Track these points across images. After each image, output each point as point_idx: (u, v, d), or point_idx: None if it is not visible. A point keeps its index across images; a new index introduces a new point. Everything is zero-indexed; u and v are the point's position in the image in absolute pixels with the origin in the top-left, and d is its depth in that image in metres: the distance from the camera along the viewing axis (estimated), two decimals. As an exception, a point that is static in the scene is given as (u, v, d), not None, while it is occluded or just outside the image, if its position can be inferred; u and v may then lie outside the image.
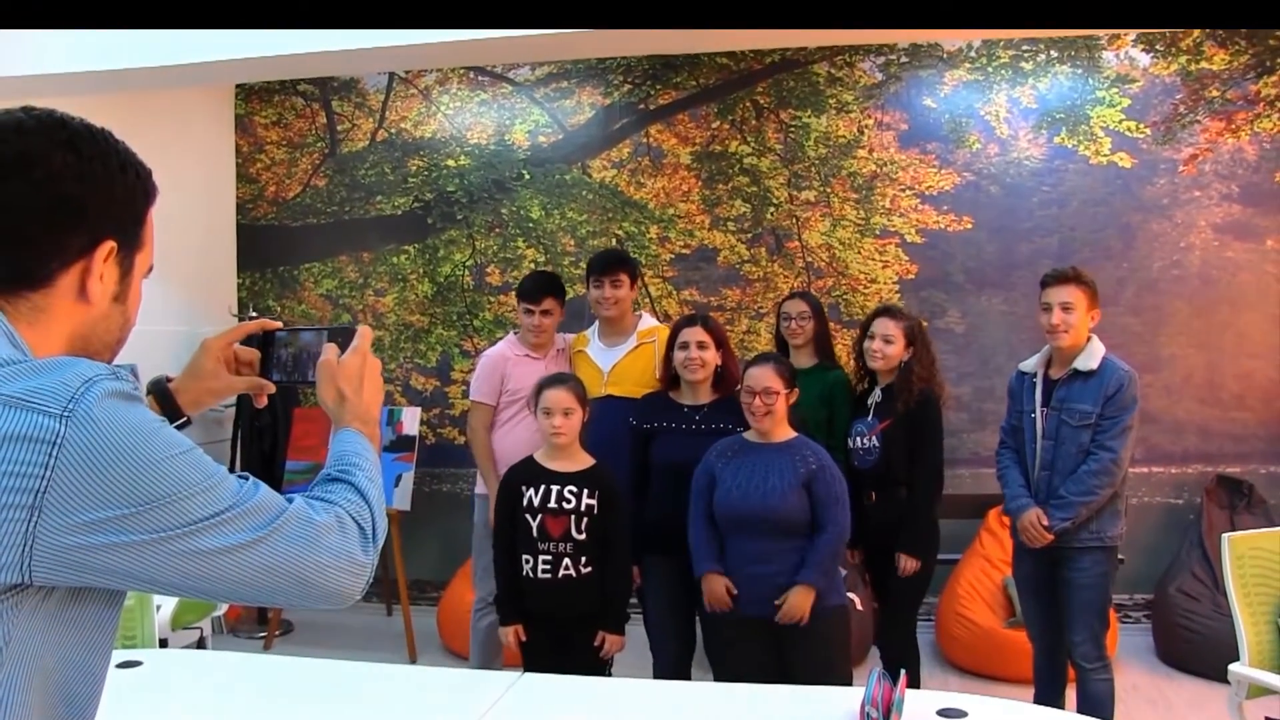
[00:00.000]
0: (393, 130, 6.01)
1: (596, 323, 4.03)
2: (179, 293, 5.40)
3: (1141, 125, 5.21)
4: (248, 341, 1.47)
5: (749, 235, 5.61)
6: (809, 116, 5.53)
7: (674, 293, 5.68)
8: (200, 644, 4.14)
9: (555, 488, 3.30)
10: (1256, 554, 3.15)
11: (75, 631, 0.98)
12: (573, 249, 5.76)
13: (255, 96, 6.15)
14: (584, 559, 3.27)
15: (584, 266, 4.21)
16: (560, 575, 3.25)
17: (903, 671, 2.17)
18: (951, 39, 5.27)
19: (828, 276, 5.51)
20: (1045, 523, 3.44)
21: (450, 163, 5.93)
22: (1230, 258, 5.17)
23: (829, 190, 5.52)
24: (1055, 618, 3.55)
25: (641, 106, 5.71)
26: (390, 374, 5.89)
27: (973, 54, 5.37)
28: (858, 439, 3.76)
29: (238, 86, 6.10)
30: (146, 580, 0.96)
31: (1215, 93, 5.15)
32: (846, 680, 3.19)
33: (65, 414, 0.91)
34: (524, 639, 3.33)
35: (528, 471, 3.36)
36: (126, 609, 2.89)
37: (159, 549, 0.95)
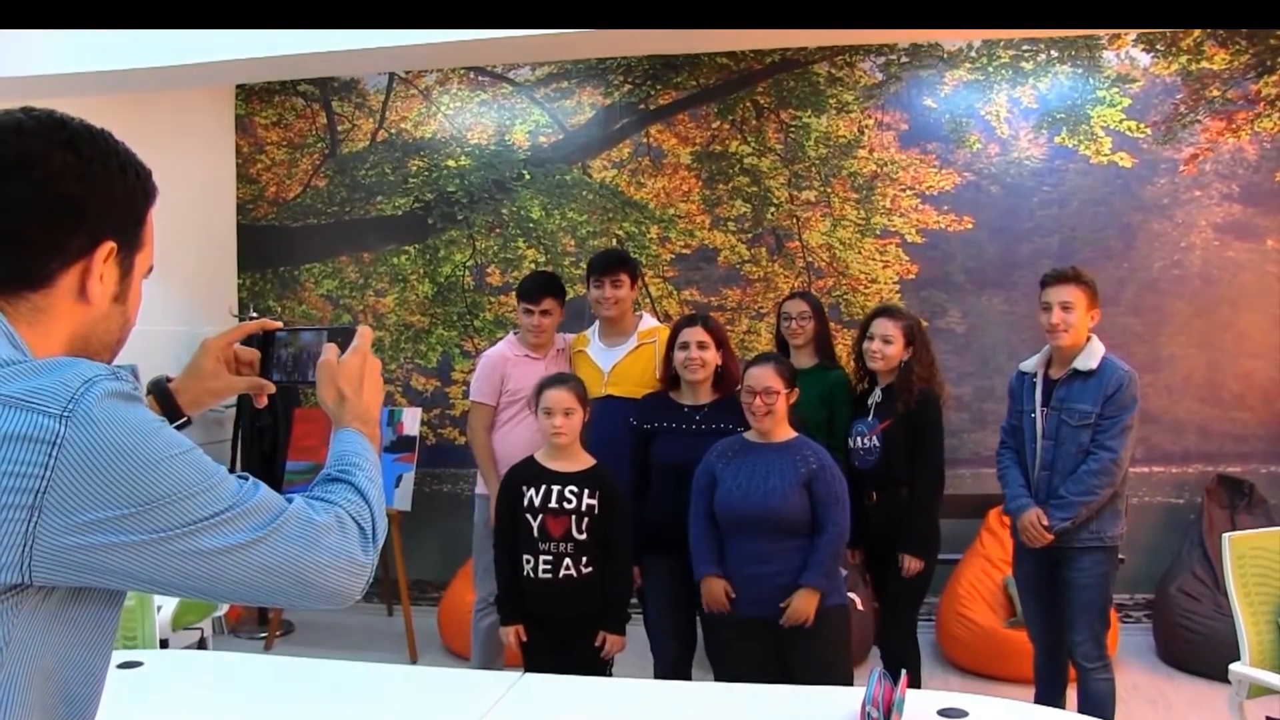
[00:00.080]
0: (393, 130, 6.01)
1: (597, 323, 4.03)
2: (179, 293, 5.40)
3: (1142, 125, 5.21)
4: (248, 341, 1.47)
5: (749, 235, 5.61)
6: (809, 116, 5.53)
7: (674, 293, 5.68)
8: (201, 644, 4.14)
9: (556, 488, 3.30)
10: (1257, 554, 3.15)
11: (75, 631, 0.98)
12: (573, 249, 5.76)
13: (255, 97, 6.15)
14: (585, 559, 3.27)
15: (584, 267, 4.21)
16: (561, 575, 3.25)
17: (903, 671, 2.17)
18: (952, 39, 5.27)
19: (828, 276, 5.51)
20: (1045, 523, 3.45)
21: (450, 163, 5.93)
22: (1231, 257, 5.17)
23: (829, 190, 5.52)
24: (1056, 618, 3.55)
25: (642, 106, 5.71)
26: (391, 374, 5.89)
27: (973, 54, 5.37)
28: (858, 439, 3.76)
29: (238, 87, 6.10)
30: (146, 580, 0.96)
31: (1216, 92, 5.15)
32: (847, 680, 3.19)
33: (65, 414, 0.91)
34: (524, 639, 3.32)
35: (528, 471, 3.36)
36: (127, 609, 2.89)
37: (159, 549, 0.95)
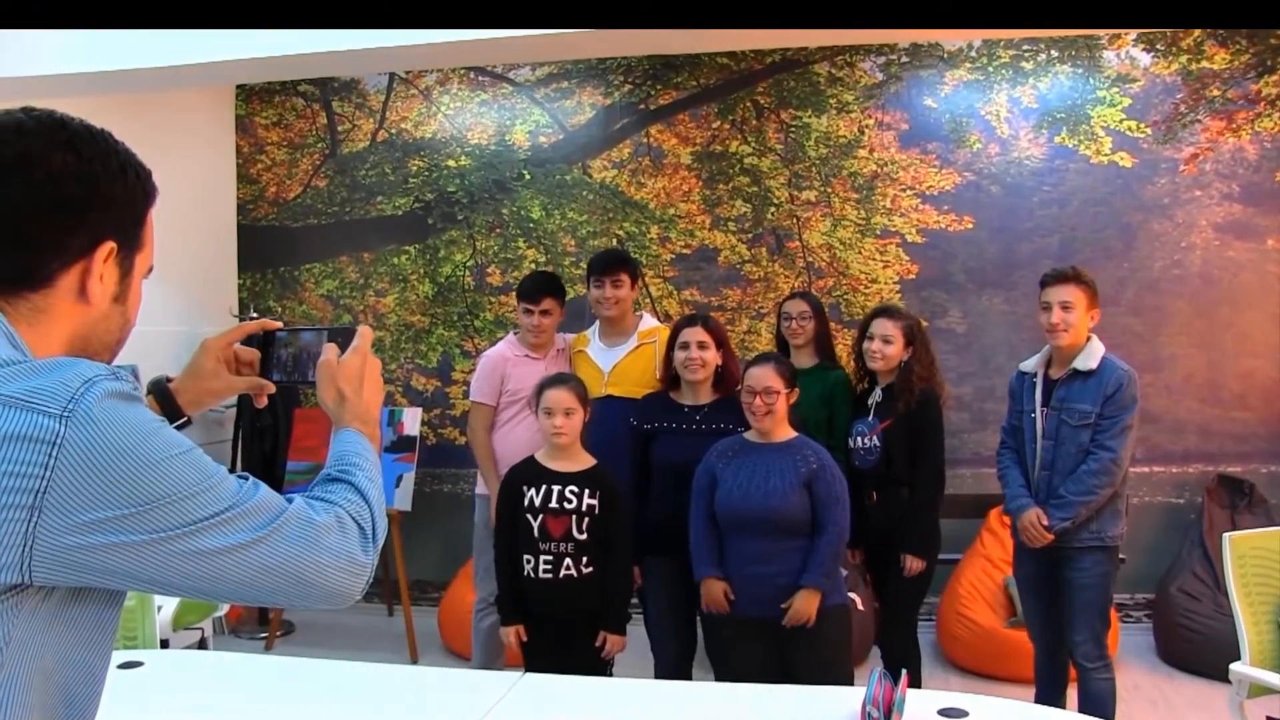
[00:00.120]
0: (393, 131, 6.01)
1: (597, 323, 4.03)
2: (179, 293, 5.40)
3: (1142, 125, 5.21)
4: (248, 342, 1.47)
5: (750, 235, 5.61)
6: (809, 116, 5.53)
7: (675, 293, 5.68)
8: (201, 644, 4.14)
9: (556, 488, 3.29)
10: (1257, 553, 3.15)
11: (75, 631, 0.98)
12: (573, 249, 5.76)
13: (256, 97, 6.15)
14: (585, 559, 3.27)
15: (585, 267, 4.21)
16: (561, 575, 3.25)
17: (904, 671, 2.17)
18: (952, 39, 5.27)
19: (828, 276, 5.51)
20: (1045, 522, 3.45)
21: (451, 163, 5.93)
22: (1231, 257, 5.17)
23: (830, 190, 5.52)
24: (1056, 617, 3.55)
25: (642, 106, 5.71)
26: (391, 374, 5.89)
27: (973, 54, 5.37)
28: (858, 439, 3.76)
29: (238, 87, 6.10)
30: (146, 580, 0.96)
31: (1216, 92, 5.15)
32: (848, 680, 3.19)
33: (65, 414, 0.91)
34: (525, 639, 3.32)
35: (529, 471, 3.36)
36: (128, 609, 2.90)
37: (159, 549, 0.95)
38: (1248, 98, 5.12)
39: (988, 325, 5.38)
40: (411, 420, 5.28)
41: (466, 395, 4.72)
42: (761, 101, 5.58)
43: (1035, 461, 3.54)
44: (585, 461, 3.36)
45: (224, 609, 4.57)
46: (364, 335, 1.35)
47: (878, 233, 5.46)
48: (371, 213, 6.03)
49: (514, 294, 4.31)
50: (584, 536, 3.27)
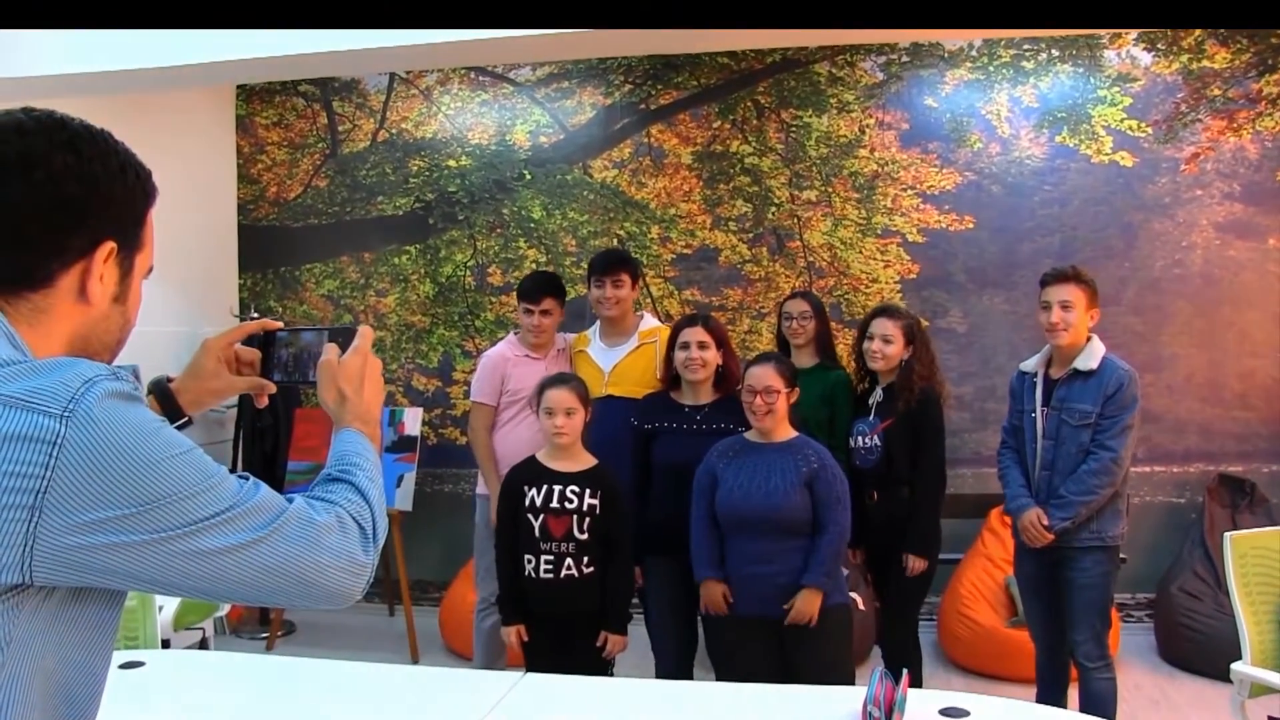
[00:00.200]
0: (394, 131, 6.01)
1: (598, 323, 4.03)
2: (180, 293, 5.40)
3: (1143, 124, 5.21)
4: (249, 341, 1.47)
5: (750, 235, 5.60)
6: (810, 116, 5.53)
7: (675, 293, 5.67)
8: (203, 644, 4.14)
9: (557, 488, 3.29)
10: (1259, 553, 3.15)
11: (76, 631, 0.98)
12: (574, 249, 5.76)
13: (256, 97, 6.15)
14: (586, 559, 3.27)
15: (585, 267, 4.21)
16: (562, 575, 3.25)
17: (905, 671, 2.17)
18: (953, 38, 5.27)
19: (829, 276, 5.51)
20: (1045, 522, 3.44)
21: (451, 163, 5.93)
22: (1232, 256, 5.16)
23: (830, 190, 5.52)
24: (1057, 617, 3.55)
25: (642, 106, 5.71)
26: (392, 374, 5.89)
27: (974, 53, 5.37)
28: (859, 438, 3.76)
29: (239, 87, 6.10)
30: (147, 580, 0.96)
31: (1217, 91, 5.15)
32: (849, 680, 3.19)
33: (65, 414, 0.91)
34: (526, 639, 3.32)
35: (530, 471, 3.36)
36: (129, 609, 2.90)
37: (160, 549, 0.95)
38: (1248, 97, 5.12)
39: (988, 325, 5.38)
40: (412, 420, 5.28)
41: (467, 395, 4.72)
42: (762, 101, 5.58)
43: (1036, 461, 3.54)
44: (586, 461, 3.36)
45: (225, 609, 4.57)
46: (365, 335, 1.35)
47: (878, 232, 5.46)
48: (372, 213, 6.03)
49: (515, 294, 4.31)
50: (585, 536, 3.27)
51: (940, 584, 4.57)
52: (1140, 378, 3.53)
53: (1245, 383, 5.16)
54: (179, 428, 1.26)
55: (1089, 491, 3.39)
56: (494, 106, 5.89)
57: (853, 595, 3.40)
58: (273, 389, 1.47)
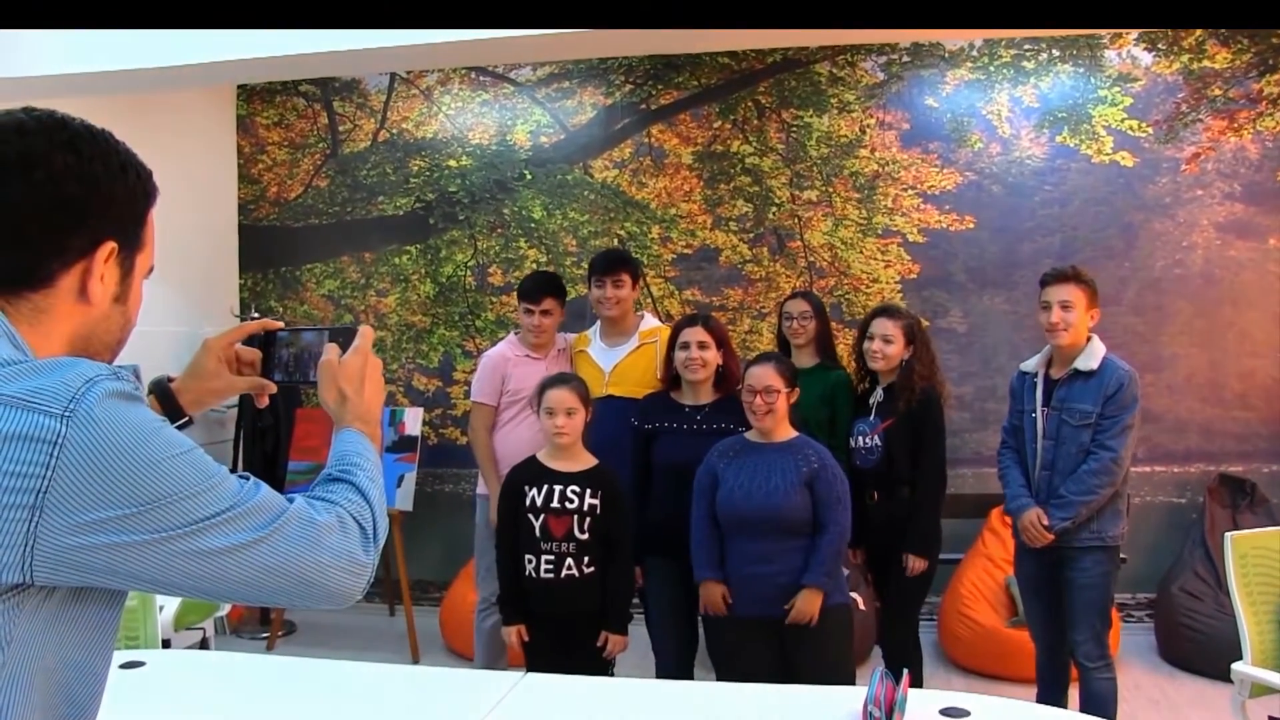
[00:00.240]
0: (394, 131, 6.01)
1: (598, 323, 4.03)
2: (181, 293, 5.40)
3: (1144, 124, 5.21)
4: (249, 341, 1.47)
5: (751, 235, 5.60)
6: (811, 116, 5.53)
7: (676, 293, 5.67)
8: (203, 644, 4.14)
9: (558, 487, 3.29)
10: (1259, 553, 3.15)
11: (77, 631, 0.98)
12: (575, 249, 5.76)
13: (257, 97, 6.15)
14: (586, 559, 3.27)
15: (586, 267, 4.21)
16: (563, 575, 3.25)
17: (905, 671, 2.17)
18: (953, 38, 5.27)
19: (830, 276, 5.51)
20: (1045, 522, 3.44)
21: (452, 163, 5.93)
22: (1233, 256, 5.16)
23: (831, 190, 5.52)
24: (1057, 617, 3.55)
25: (643, 106, 5.71)
26: (392, 374, 5.89)
27: (974, 53, 5.37)
28: (860, 438, 3.76)
29: (239, 87, 6.10)
30: (148, 580, 0.96)
31: (1218, 91, 5.15)
32: (849, 680, 3.19)
33: (66, 414, 0.91)
34: (527, 639, 3.32)
35: (530, 471, 3.36)
36: (129, 609, 2.90)
37: (160, 549, 0.95)
38: (1249, 97, 5.12)
39: (989, 325, 5.38)
40: (413, 420, 5.28)
41: (468, 395, 4.72)
42: (763, 101, 5.58)
43: (1036, 461, 3.54)
44: (587, 461, 3.36)
45: (225, 609, 4.57)
46: (365, 335, 1.35)
47: (879, 232, 5.46)
48: (373, 213, 6.04)
49: (515, 294, 4.31)
50: (585, 536, 3.26)
51: (941, 584, 4.57)
52: (1141, 378, 3.53)
53: (1246, 383, 5.16)
54: (180, 427, 1.26)
55: (1089, 491, 3.39)
56: (494, 106, 5.89)
57: (853, 595, 3.40)
58: (273, 389, 1.47)
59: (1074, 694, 3.62)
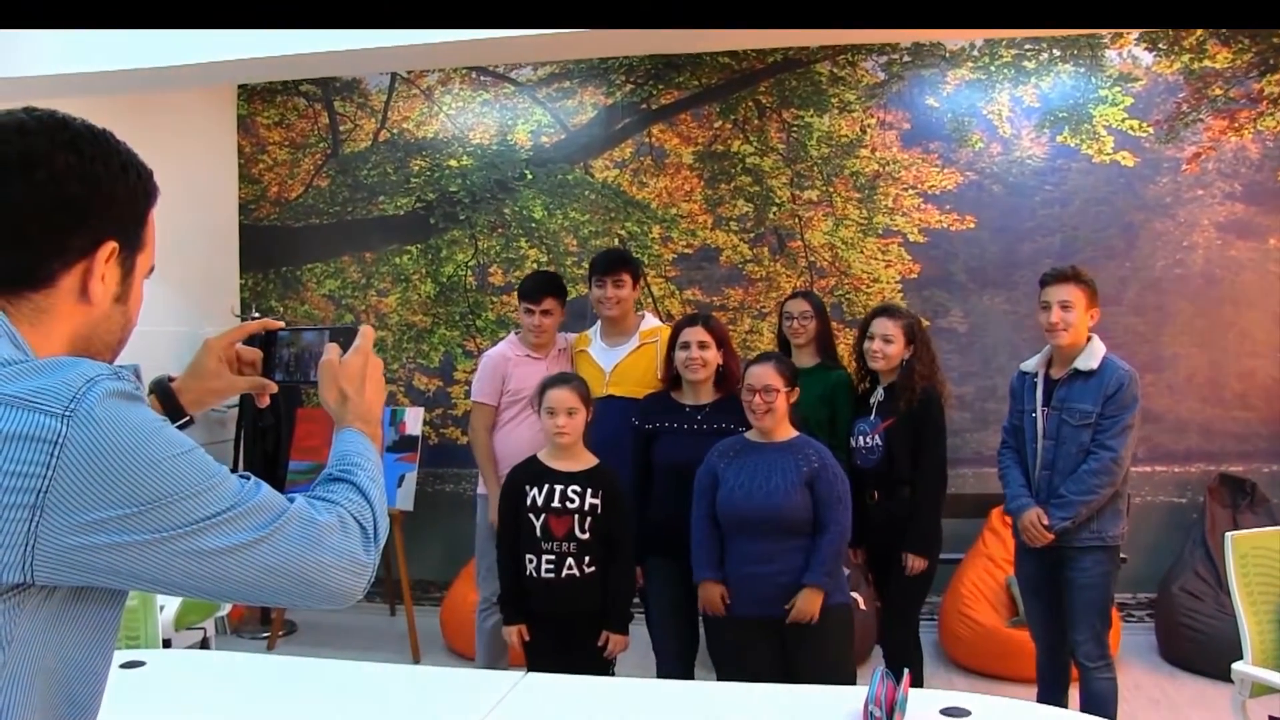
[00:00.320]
0: (395, 130, 6.01)
1: (599, 322, 4.03)
2: (181, 293, 5.41)
3: (1144, 124, 5.21)
4: (250, 341, 1.47)
5: (751, 235, 5.60)
6: (811, 116, 5.53)
7: (676, 292, 5.67)
8: (204, 644, 4.14)
9: (559, 487, 3.29)
10: (1260, 553, 3.15)
11: (77, 631, 0.98)
12: (575, 249, 5.76)
13: (257, 97, 6.15)
14: (587, 559, 3.27)
15: (587, 266, 4.21)
16: (564, 575, 3.25)
17: (906, 671, 2.17)
18: (954, 38, 5.26)
19: (830, 276, 5.51)
20: (1045, 522, 3.44)
21: (453, 163, 5.93)
22: (1233, 256, 5.16)
23: (831, 190, 5.51)
24: (1057, 617, 3.55)
25: (644, 106, 5.71)
26: (393, 374, 5.89)
27: (975, 53, 5.37)
28: (860, 438, 3.76)
29: (240, 87, 6.10)
30: (149, 580, 0.96)
31: (1218, 91, 5.14)
32: (850, 679, 3.19)
33: (67, 414, 0.91)
34: (527, 639, 3.32)
35: (531, 471, 3.36)
36: (130, 609, 2.90)
37: (161, 549, 0.95)
38: (1250, 97, 5.12)
39: (989, 325, 5.38)
40: (413, 420, 5.28)
41: (468, 395, 4.72)
42: (763, 101, 5.58)
43: (1036, 461, 3.54)
44: (587, 461, 3.36)
45: (226, 609, 4.57)
46: (366, 335, 1.35)
47: (880, 232, 5.46)
48: (373, 212, 6.04)
49: (516, 294, 4.31)
50: (586, 536, 3.27)
51: (941, 584, 4.57)
52: (1141, 377, 3.53)
53: (1246, 383, 5.16)
54: (180, 427, 1.26)
55: (1089, 491, 3.39)
56: (495, 106, 5.89)
57: (854, 595, 3.40)
58: (274, 389, 1.47)
59: (1074, 694, 3.62)
